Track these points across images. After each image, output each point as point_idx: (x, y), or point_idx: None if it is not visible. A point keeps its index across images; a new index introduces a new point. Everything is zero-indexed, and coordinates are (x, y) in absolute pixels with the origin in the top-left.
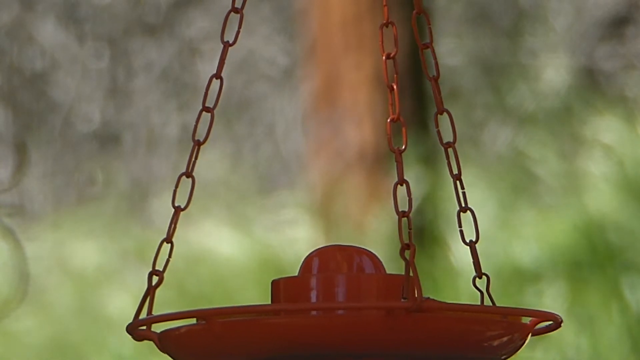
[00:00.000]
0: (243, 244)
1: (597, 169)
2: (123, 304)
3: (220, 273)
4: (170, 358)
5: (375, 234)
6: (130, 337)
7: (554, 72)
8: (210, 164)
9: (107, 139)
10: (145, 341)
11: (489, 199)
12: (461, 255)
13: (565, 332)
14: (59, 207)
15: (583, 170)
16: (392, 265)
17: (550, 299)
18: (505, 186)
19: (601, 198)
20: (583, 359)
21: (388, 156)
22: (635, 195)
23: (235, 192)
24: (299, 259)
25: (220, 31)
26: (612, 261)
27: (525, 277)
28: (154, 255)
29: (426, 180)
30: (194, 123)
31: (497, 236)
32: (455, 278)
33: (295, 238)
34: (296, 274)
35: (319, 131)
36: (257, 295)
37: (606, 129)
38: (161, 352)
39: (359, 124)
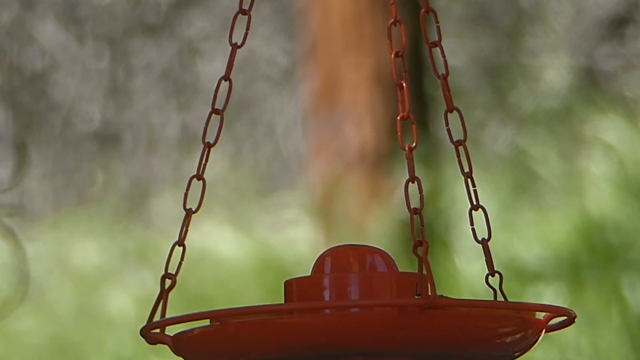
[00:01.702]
0: (243, 244)
1: (597, 169)
2: (123, 304)
3: (221, 273)
4: (171, 359)
5: (376, 233)
6: (130, 337)
7: (554, 72)
8: (211, 164)
9: (107, 139)
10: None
11: (489, 199)
12: (463, 254)
13: (565, 332)
14: (59, 207)
15: (583, 170)
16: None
17: (550, 298)
18: (506, 186)
19: (602, 198)
20: (583, 359)
21: (388, 156)
22: (636, 195)
23: (235, 192)
24: (299, 259)
25: (221, 31)
26: (612, 261)
27: (525, 276)
28: (154, 255)
29: (427, 180)
30: (204, 125)
31: (497, 236)
32: (455, 278)
33: (296, 238)
34: (302, 275)
35: (319, 131)
36: (258, 295)
37: (606, 128)
38: (161, 353)
39: (359, 124)
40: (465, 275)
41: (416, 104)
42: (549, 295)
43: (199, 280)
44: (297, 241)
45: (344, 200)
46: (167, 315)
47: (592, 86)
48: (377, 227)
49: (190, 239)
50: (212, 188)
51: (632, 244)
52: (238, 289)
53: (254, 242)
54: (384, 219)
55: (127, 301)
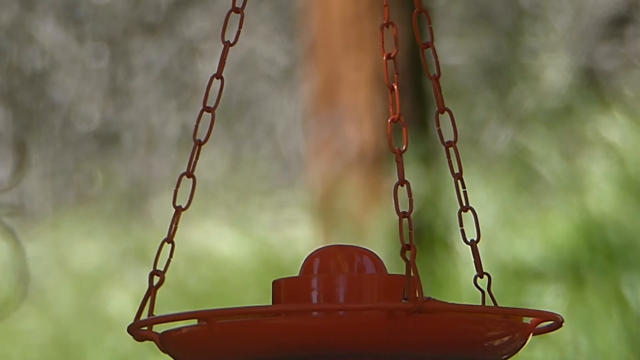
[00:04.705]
0: (243, 243)
1: (598, 168)
2: (123, 304)
3: (220, 273)
4: (170, 358)
5: (375, 233)
6: (130, 336)
7: (554, 71)
8: (210, 164)
9: (107, 139)
10: (145, 341)
11: (489, 198)
12: (461, 255)
13: (564, 332)
14: (59, 207)
15: (584, 169)
16: (393, 265)
17: (550, 298)
18: (506, 186)
19: (602, 197)
20: (582, 358)
21: (388, 156)
22: (637, 194)
23: (235, 192)
24: (299, 259)
25: (220, 30)
26: (612, 261)
27: (525, 276)
28: (154, 255)
29: (425, 181)
30: (195, 123)
31: (497, 236)
32: (455, 278)
33: (295, 238)
34: (297, 274)
35: (319, 131)
36: (257, 295)
37: (607, 128)
38: (161, 352)
39: (359, 124)
40: (465, 275)
41: (416, 104)
42: (549, 294)
43: (199, 279)
44: (297, 241)
45: (343, 200)
46: (159, 312)
47: (593, 86)
48: (377, 227)
49: (190, 239)
50: (212, 188)
51: (632, 244)
52: (237, 288)
53: (254, 242)
54: (383, 219)
55: (127, 300)
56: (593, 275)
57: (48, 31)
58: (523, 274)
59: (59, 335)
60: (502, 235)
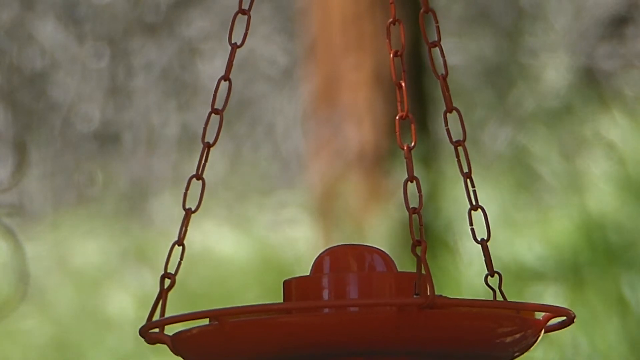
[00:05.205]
0: (243, 243)
1: (598, 168)
2: (123, 303)
3: (220, 273)
4: (171, 358)
5: (375, 233)
6: (130, 336)
7: (554, 71)
8: (211, 163)
9: (107, 139)
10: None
11: (490, 198)
12: (462, 254)
13: (564, 332)
14: (59, 207)
15: (584, 169)
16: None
17: (550, 298)
18: (506, 186)
19: (602, 197)
20: (582, 358)
21: (388, 156)
22: (636, 194)
23: (235, 192)
24: (299, 259)
25: (221, 31)
26: (612, 260)
27: (525, 276)
28: (154, 255)
29: (425, 180)
30: (197, 123)
31: (498, 235)
32: (456, 278)
33: (295, 238)
34: (301, 274)
35: (319, 131)
36: (258, 294)
37: (607, 128)
38: (162, 353)
39: (359, 124)
40: (466, 275)
41: (416, 103)
42: (550, 294)
43: (200, 279)
44: (297, 240)
45: (343, 200)
46: (167, 315)
47: (592, 85)
48: (377, 226)
49: (191, 239)
50: (212, 188)
51: (632, 244)
52: (238, 288)
53: (254, 242)
54: (383, 218)
55: (127, 301)
56: (593, 275)
57: (48, 31)
58: (523, 274)
59: (59, 335)
60: (502, 235)
